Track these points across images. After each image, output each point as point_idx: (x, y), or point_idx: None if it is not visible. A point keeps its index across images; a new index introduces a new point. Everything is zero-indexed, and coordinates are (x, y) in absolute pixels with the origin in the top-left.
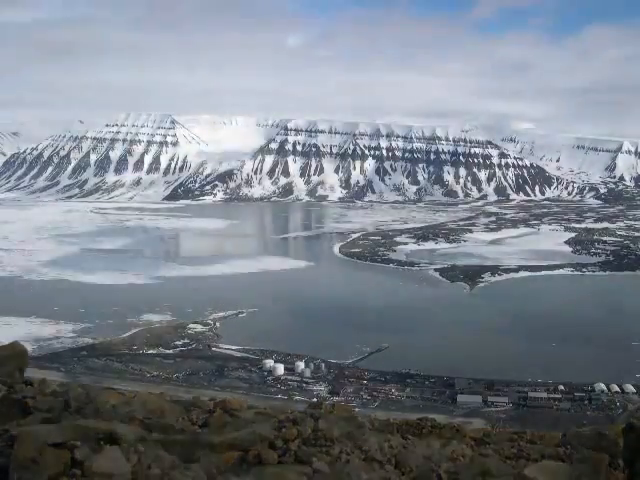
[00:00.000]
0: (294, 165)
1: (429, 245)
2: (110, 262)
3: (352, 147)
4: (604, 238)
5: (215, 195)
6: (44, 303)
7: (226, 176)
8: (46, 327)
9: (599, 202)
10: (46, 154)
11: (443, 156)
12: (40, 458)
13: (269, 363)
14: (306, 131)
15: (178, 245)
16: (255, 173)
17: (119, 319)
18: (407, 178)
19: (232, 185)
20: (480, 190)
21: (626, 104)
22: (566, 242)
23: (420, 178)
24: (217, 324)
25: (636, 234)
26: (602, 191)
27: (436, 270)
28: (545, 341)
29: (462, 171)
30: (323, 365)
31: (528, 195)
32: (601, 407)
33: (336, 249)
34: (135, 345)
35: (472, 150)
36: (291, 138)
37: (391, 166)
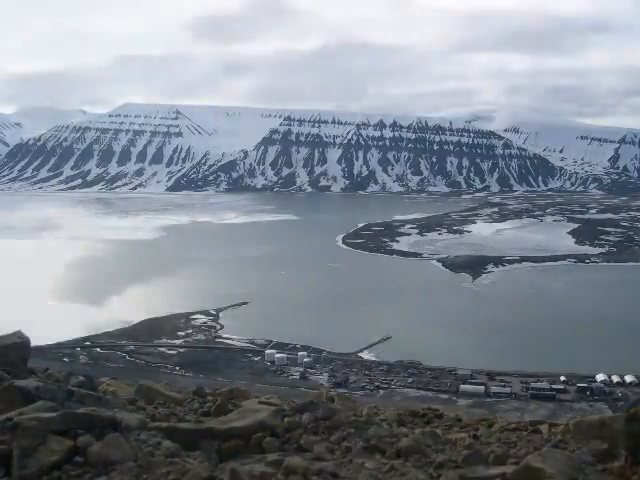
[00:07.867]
0: (297, 155)
1: (432, 236)
2: None
3: (355, 137)
4: (607, 229)
5: (218, 186)
6: None
7: (229, 167)
8: None
9: (602, 193)
10: (49, 145)
11: (446, 147)
12: (43, 446)
13: (272, 353)
14: (309, 121)
15: None
16: (258, 164)
17: None
18: (410, 169)
19: (235, 176)
20: (483, 181)
21: None
22: (569, 233)
23: (423, 169)
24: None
25: (639, 225)
26: (605, 182)
27: (439, 261)
28: (547, 331)
29: (465, 162)
30: (326, 355)
31: (531, 186)
32: (603, 398)
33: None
34: (139, 335)
35: (475, 141)
36: (294, 129)
37: (394, 157)
